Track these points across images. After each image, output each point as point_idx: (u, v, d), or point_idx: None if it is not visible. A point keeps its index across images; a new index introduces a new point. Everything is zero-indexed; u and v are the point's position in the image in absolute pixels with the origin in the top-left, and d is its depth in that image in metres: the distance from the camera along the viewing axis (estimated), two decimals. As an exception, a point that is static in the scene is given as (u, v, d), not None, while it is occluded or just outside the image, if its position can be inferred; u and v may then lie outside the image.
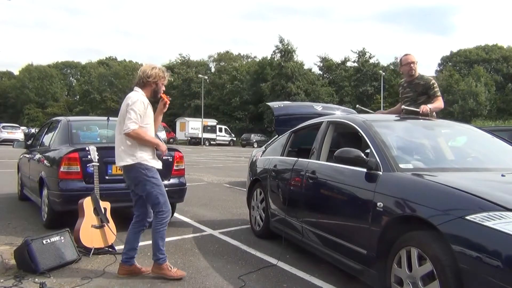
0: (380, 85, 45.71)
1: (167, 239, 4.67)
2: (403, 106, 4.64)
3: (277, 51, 51.59)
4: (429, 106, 4.40)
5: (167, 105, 3.80)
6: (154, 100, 3.75)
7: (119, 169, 4.99)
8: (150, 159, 3.56)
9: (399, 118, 4.25)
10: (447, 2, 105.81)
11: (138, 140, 3.48)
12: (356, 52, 54.08)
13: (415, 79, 4.72)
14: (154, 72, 3.62)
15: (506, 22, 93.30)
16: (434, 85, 4.65)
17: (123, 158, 3.55)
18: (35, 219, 5.67)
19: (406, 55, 4.81)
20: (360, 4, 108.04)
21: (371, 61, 53.32)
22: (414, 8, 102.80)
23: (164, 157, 3.98)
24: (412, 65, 4.71)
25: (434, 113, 4.57)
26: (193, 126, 44.62)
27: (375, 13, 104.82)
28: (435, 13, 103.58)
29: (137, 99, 3.51)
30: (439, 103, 4.57)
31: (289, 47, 50.73)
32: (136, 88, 3.65)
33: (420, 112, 4.30)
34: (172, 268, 3.62)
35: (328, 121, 4.20)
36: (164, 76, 3.68)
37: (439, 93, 4.66)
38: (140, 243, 3.80)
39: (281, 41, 51.23)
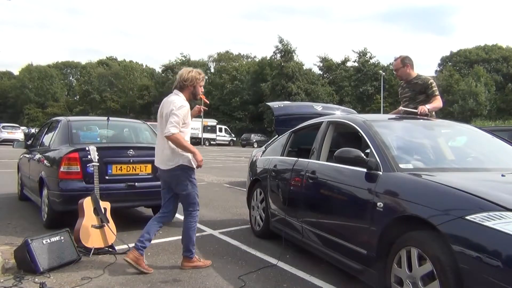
0: (380, 85, 45.71)
1: (166, 239, 4.72)
2: (401, 107, 4.64)
3: (277, 51, 51.59)
4: (427, 106, 4.38)
5: (202, 112, 4.04)
6: (194, 101, 3.96)
7: (119, 169, 5.04)
8: (192, 160, 3.75)
9: (399, 118, 4.25)
10: (447, 2, 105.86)
11: (175, 144, 3.64)
12: (357, 52, 54.18)
13: (413, 79, 4.71)
14: (191, 75, 3.80)
15: (506, 22, 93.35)
16: (432, 85, 4.64)
17: (170, 160, 3.71)
18: (35, 219, 5.67)
19: (395, 60, 4.94)
20: (360, 4, 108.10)
21: (372, 61, 53.33)
22: (414, 8, 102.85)
23: None
24: (395, 72, 4.92)
25: (433, 112, 4.57)
26: (193, 126, 44.44)
27: (375, 13, 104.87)
28: (434, 13, 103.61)
29: (181, 104, 3.69)
30: (437, 103, 4.55)
31: (288, 47, 50.71)
32: (176, 91, 3.82)
33: (418, 113, 4.29)
34: (200, 259, 3.88)
35: (328, 121, 4.20)
36: (200, 77, 3.85)
37: (437, 93, 4.63)
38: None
39: (281, 41, 51.26)
